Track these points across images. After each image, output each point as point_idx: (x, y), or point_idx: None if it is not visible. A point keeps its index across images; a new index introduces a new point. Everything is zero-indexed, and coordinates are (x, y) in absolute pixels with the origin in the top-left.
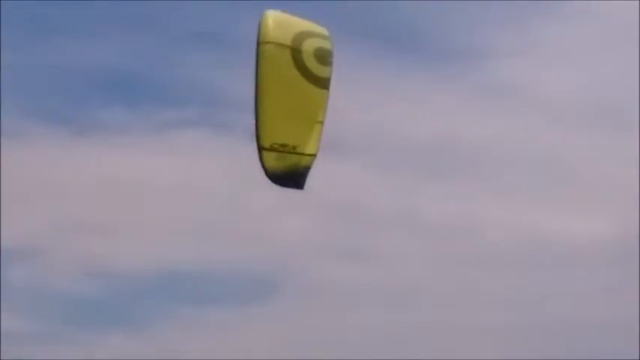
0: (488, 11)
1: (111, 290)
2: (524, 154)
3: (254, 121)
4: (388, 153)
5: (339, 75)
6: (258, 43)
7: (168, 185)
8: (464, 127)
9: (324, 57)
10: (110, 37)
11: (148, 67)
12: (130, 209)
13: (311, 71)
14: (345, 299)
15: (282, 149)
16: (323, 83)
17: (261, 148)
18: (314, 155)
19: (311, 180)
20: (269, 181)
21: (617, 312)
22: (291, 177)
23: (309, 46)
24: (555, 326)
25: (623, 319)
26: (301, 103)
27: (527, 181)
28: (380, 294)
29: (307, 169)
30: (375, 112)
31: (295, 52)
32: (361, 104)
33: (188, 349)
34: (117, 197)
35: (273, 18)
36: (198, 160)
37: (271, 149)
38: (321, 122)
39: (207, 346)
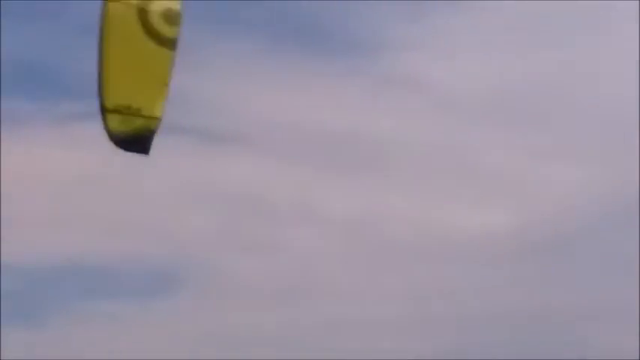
0: (389, 3)
1: (11, 283)
2: (425, 148)
3: (97, 82)
4: (291, 146)
5: (241, 68)
6: (104, 1)
7: (69, 178)
8: (366, 120)
9: (172, 17)
10: (11, 27)
11: (50, 58)
12: (31, 202)
13: (157, 31)
14: (247, 294)
15: (126, 111)
16: (170, 44)
17: (104, 110)
18: (159, 118)
19: (214, 172)
20: (174, 174)
21: (520, 304)
22: (137, 141)
23: (157, 6)
24: (459, 320)
25: (526, 311)
26: (146, 64)
27: (429, 174)
28: (283, 288)
29: (153, 132)
30: (278, 105)
31: (142, 12)
32: (263, 97)
33: (87, 343)
34: (19, 190)
35: None
36: (99, 152)
37: (115, 111)
38: (167, 84)
39: (105, 340)
